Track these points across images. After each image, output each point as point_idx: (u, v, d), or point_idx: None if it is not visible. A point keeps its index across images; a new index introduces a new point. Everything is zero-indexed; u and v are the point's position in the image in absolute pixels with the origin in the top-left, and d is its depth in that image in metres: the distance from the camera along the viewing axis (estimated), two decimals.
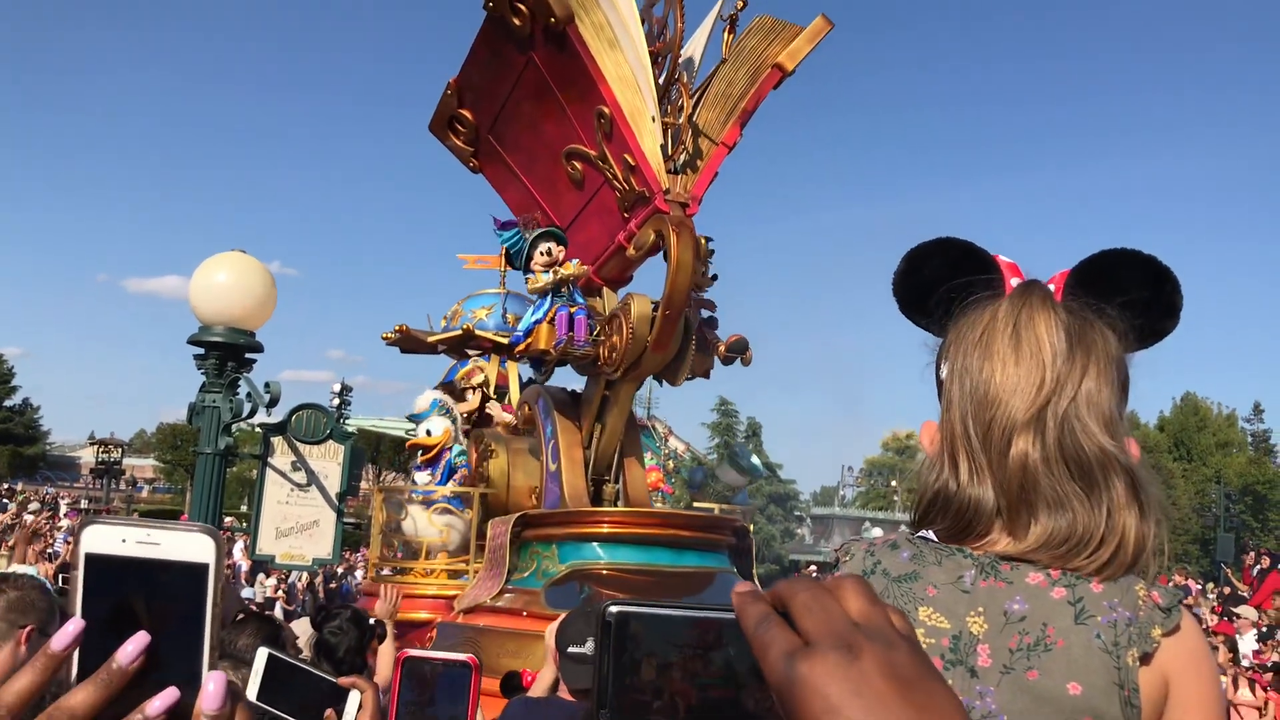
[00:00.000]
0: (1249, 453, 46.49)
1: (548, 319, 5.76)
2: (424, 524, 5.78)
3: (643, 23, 5.66)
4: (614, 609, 0.63)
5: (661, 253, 5.35)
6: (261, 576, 14.83)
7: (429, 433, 6.24)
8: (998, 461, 1.20)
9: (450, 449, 6.28)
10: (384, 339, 9.55)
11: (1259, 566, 16.84)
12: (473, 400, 7.14)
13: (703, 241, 5.30)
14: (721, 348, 6.04)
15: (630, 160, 5.29)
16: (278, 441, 7.45)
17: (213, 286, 6.53)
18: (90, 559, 0.65)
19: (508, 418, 7.09)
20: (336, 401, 27.74)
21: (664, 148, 5.43)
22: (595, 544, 5.47)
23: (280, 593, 14.69)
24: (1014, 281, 1.34)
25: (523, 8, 5.27)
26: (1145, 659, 1.14)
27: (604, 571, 5.40)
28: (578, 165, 5.76)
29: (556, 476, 5.99)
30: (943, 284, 1.37)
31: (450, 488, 6.12)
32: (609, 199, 5.68)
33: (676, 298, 5.20)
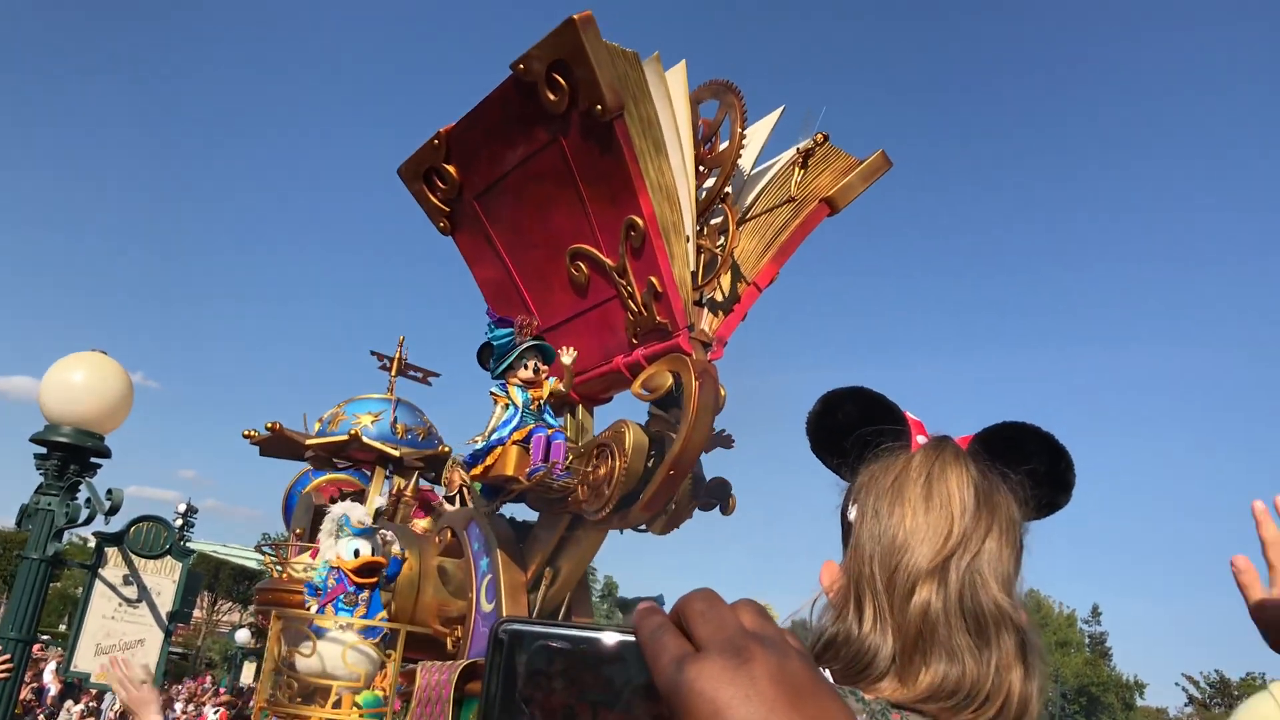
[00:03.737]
0: (1085, 654, 50.65)
1: (513, 440, 5.25)
2: (334, 661, 5.12)
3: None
4: (507, 627, 0.65)
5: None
6: (69, 704, 13.55)
7: (374, 549, 5.59)
8: (899, 606, 1.26)
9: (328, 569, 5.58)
10: (246, 436, 8.88)
11: None
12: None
13: (722, 392, 4.93)
14: (701, 493, 5.66)
15: (656, 285, 4.89)
16: (112, 553, 7.22)
17: (65, 385, 6.44)
18: None
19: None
20: (180, 522, 26.63)
21: (694, 274, 5.08)
22: None
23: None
24: (919, 438, 1.45)
25: (562, 82, 4.82)
26: None
27: None
28: (584, 268, 5.32)
29: (493, 618, 5.46)
30: (854, 429, 1.47)
31: (358, 619, 5.46)
32: (615, 316, 5.26)
33: (687, 457, 4.81)
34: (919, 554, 1.27)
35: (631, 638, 0.64)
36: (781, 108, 5.50)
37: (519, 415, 5.29)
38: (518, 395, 5.32)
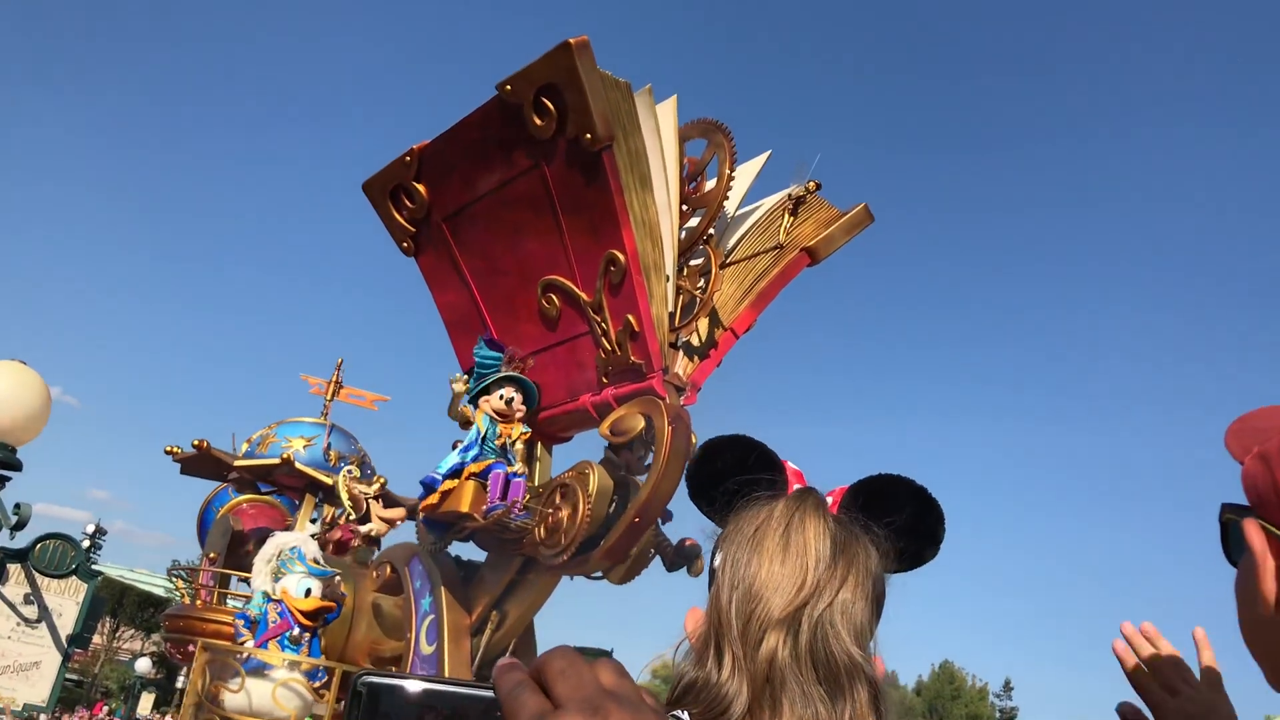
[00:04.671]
0: None
1: (469, 474, 5.05)
2: (263, 699, 4.81)
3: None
4: (366, 679, 0.65)
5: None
6: None
7: (324, 593, 5.30)
8: (751, 655, 1.28)
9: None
10: (169, 452, 8.53)
11: None
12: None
13: (694, 439, 4.79)
14: (669, 552, 5.49)
15: (633, 324, 4.76)
16: (14, 569, 6.92)
17: None
18: None
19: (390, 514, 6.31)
20: (87, 543, 25.80)
21: (672, 316, 4.96)
22: None
23: None
24: (798, 487, 1.47)
25: (551, 107, 4.70)
26: None
27: None
28: (556, 301, 5.17)
29: (433, 662, 5.21)
30: (731, 477, 1.48)
31: (305, 658, 5.16)
32: (585, 353, 5.12)
33: (655, 505, 4.66)
34: (772, 603, 1.30)
35: (492, 693, 0.65)
36: (768, 152, 5.46)
37: (479, 445, 5.09)
38: (484, 422, 5.13)
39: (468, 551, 5.83)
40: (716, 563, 1.42)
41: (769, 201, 5.42)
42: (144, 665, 26.13)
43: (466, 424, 5.25)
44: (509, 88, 4.80)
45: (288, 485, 10.03)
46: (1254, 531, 1.09)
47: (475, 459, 5.05)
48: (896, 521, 1.44)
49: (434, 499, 5.03)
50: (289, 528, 10.45)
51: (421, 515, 5.23)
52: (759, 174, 5.43)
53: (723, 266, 5.07)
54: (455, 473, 5.04)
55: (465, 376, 5.31)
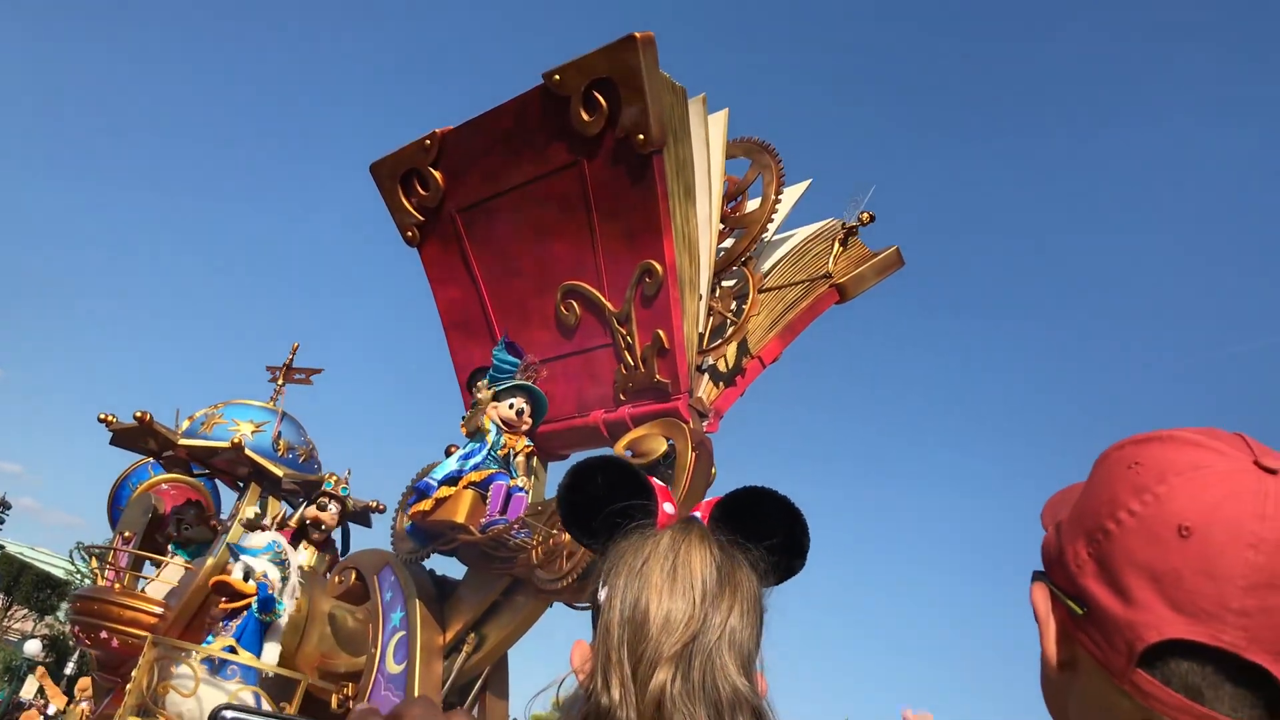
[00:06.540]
0: None
1: (468, 482, 4.70)
2: (214, 705, 4.35)
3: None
4: (227, 713, 0.71)
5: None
6: None
7: (247, 575, 4.85)
8: (641, 690, 1.28)
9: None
10: (102, 420, 8.01)
11: None
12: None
13: (713, 471, 4.52)
14: None
15: (663, 340, 4.48)
16: None
17: None
18: None
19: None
20: None
21: (701, 337, 4.70)
22: None
23: None
24: (666, 506, 1.48)
25: (602, 102, 4.42)
26: None
27: None
28: (576, 308, 4.87)
29: (400, 681, 4.81)
30: (601, 502, 1.49)
31: (211, 648, 4.71)
32: (602, 366, 4.82)
33: None
34: (662, 639, 1.31)
35: None
36: (809, 180, 5.26)
37: (485, 453, 4.76)
38: (490, 428, 4.80)
39: (441, 566, 5.46)
40: (601, 597, 1.42)
41: (804, 231, 5.22)
42: (33, 647, 24.70)
43: (474, 435, 4.92)
44: (557, 78, 4.51)
45: (222, 470, 9.44)
46: (1039, 594, 1.11)
47: (476, 468, 4.70)
48: (766, 535, 1.45)
49: (427, 505, 4.66)
50: (214, 514, 9.86)
51: (409, 522, 4.84)
52: (797, 201, 5.23)
53: (761, 291, 4.83)
54: (451, 480, 4.69)
55: (486, 383, 4.96)
